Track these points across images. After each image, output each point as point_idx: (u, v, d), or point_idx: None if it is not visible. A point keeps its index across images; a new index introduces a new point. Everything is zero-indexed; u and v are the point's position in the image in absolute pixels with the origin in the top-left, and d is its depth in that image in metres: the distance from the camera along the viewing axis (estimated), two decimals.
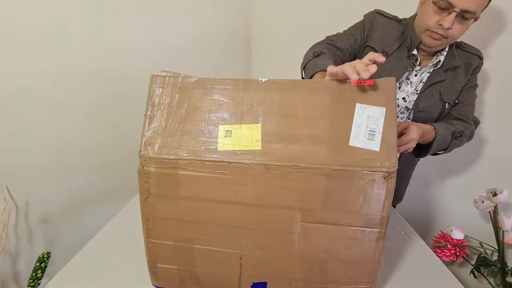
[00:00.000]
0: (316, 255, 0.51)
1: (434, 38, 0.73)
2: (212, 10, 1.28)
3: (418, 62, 0.80)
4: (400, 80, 0.83)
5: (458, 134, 0.77)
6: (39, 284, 0.78)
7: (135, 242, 0.61)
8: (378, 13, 0.84)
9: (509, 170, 1.01)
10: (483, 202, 0.88)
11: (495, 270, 0.93)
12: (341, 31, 0.90)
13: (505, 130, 1.01)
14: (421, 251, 0.71)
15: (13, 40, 0.81)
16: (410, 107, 0.83)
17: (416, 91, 0.82)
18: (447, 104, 0.81)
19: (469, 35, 0.85)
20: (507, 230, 0.87)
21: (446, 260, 0.92)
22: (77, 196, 1.02)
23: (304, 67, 0.78)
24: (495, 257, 0.96)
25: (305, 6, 1.32)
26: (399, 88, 0.84)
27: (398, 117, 0.84)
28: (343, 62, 0.77)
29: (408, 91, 0.83)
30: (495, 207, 0.88)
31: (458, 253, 0.93)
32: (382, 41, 0.81)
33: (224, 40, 1.36)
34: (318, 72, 0.69)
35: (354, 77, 0.47)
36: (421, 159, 0.95)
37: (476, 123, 0.83)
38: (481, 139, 1.06)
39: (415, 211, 1.00)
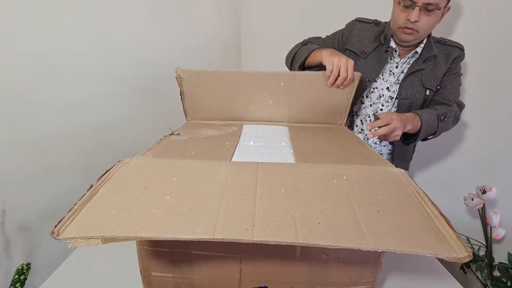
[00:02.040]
0: (318, 256, 0.49)
1: (406, 33, 0.80)
2: (202, 11, 1.25)
3: (397, 53, 0.87)
4: (383, 71, 0.90)
5: (442, 116, 0.82)
6: None
7: (126, 250, 0.58)
8: (358, 20, 0.94)
9: (494, 167, 1.05)
10: (472, 200, 0.90)
11: (483, 265, 0.95)
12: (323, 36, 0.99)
13: (491, 128, 1.04)
14: None
15: None
16: (394, 96, 0.89)
17: (398, 81, 0.89)
18: (428, 91, 0.87)
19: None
20: (495, 226, 0.90)
21: None
22: (59, 202, 0.96)
23: (294, 55, 0.90)
24: (482, 253, 0.99)
25: (295, 8, 1.32)
26: (383, 79, 0.90)
27: (383, 105, 0.91)
28: None
29: (391, 81, 0.89)
30: (484, 204, 0.91)
31: None
32: (360, 43, 0.91)
33: (214, 40, 1.34)
34: (314, 50, 0.83)
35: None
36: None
37: (460, 106, 0.88)
38: (467, 137, 1.09)
39: None
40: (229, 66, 1.47)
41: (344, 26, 0.97)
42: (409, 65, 0.88)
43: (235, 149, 0.58)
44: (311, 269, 0.51)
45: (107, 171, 0.45)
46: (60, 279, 0.59)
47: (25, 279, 0.73)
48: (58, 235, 0.35)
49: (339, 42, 0.94)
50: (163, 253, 0.51)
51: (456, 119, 0.87)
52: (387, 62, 0.89)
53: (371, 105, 0.92)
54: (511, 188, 0.98)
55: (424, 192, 0.38)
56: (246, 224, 0.33)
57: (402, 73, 0.89)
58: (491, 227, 0.91)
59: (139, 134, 1.15)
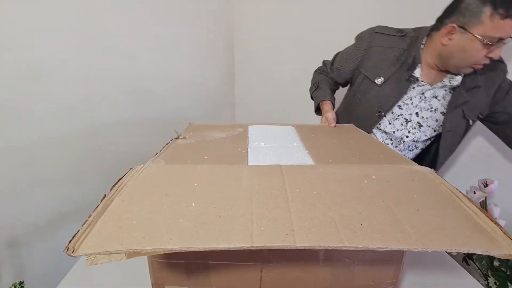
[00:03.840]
0: (341, 259, 0.48)
1: (476, 69, 0.72)
2: (195, 11, 1.23)
3: (420, 82, 0.79)
4: (411, 95, 0.80)
5: None
6: None
7: (131, 263, 0.54)
8: (378, 33, 0.82)
9: (493, 161, 1.08)
10: (474, 193, 0.91)
11: (482, 255, 0.97)
12: (339, 51, 0.94)
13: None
14: None
15: None
16: (423, 124, 0.82)
17: (431, 108, 0.81)
18: (470, 121, 0.81)
19: None
20: (496, 218, 0.92)
21: None
22: (51, 214, 0.90)
23: (311, 96, 0.98)
24: None
25: (287, 6, 1.32)
26: (412, 103, 0.82)
27: (409, 132, 0.84)
28: (338, 83, 0.98)
29: (422, 106, 0.81)
30: (485, 196, 0.93)
31: None
32: (377, 67, 0.82)
33: (207, 40, 1.32)
34: (321, 102, 0.89)
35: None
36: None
37: None
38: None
39: None
40: (223, 66, 1.45)
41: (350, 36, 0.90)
42: (445, 90, 0.80)
43: (248, 152, 0.56)
44: (334, 274, 0.49)
45: (120, 179, 0.42)
46: None
47: None
48: (73, 251, 0.31)
49: (354, 64, 0.86)
50: (178, 264, 0.48)
51: None
52: (412, 89, 0.79)
53: (394, 132, 0.84)
54: (507, 180, 1.02)
55: (457, 189, 0.38)
56: (285, 229, 0.31)
57: (435, 98, 0.80)
58: None
59: (134, 138, 1.11)
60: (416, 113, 0.82)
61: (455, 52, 0.71)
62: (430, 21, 0.78)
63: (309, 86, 1.02)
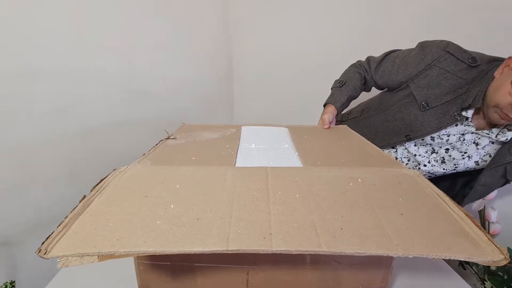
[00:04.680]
0: (328, 263, 0.47)
1: (501, 118, 0.63)
2: (192, 12, 1.23)
3: (468, 121, 0.70)
4: (450, 132, 0.73)
5: None
6: None
7: (119, 265, 0.53)
8: (449, 53, 0.70)
9: None
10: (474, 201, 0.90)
11: None
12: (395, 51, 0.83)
13: None
14: None
15: None
16: (448, 162, 0.76)
17: (465, 152, 0.74)
18: (511, 182, 0.74)
19: None
20: (493, 222, 0.90)
21: None
22: (44, 214, 0.89)
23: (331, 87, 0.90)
24: None
25: (285, 8, 1.32)
26: (447, 140, 0.74)
27: (429, 163, 0.79)
28: (373, 86, 0.89)
29: (456, 146, 0.74)
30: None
31: None
32: (429, 90, 0.71)
33: (204, 40, 1.32)
34: (328, 104, 0.85)
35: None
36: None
37: None
38: None
39: None
40: (221, 67, 1.45)
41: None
42: (492, 142, 0.71)
43: (237, 153, 0.55)
44: (321, 278, 0.48)
45: (101, 180, 0.41)
46: None
47: None
48: (46, 253, 0.30)
49: (410, 78, 0.75)
50: (164, 266, 0.47)
51: None
52: (454, 125, 0.71)
53: (415, 155, 0.80)
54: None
55: (444, 193, 0.37)
56: (263, 233, 0.30)
57: (474, 144, 0.73)
58: (489, 223, 0.92)
59: (130, 139, 1.10)
60: (446, 149, 0.76)
61: (491, 90, 0.63)
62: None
63: (309, 85, 0.97)
